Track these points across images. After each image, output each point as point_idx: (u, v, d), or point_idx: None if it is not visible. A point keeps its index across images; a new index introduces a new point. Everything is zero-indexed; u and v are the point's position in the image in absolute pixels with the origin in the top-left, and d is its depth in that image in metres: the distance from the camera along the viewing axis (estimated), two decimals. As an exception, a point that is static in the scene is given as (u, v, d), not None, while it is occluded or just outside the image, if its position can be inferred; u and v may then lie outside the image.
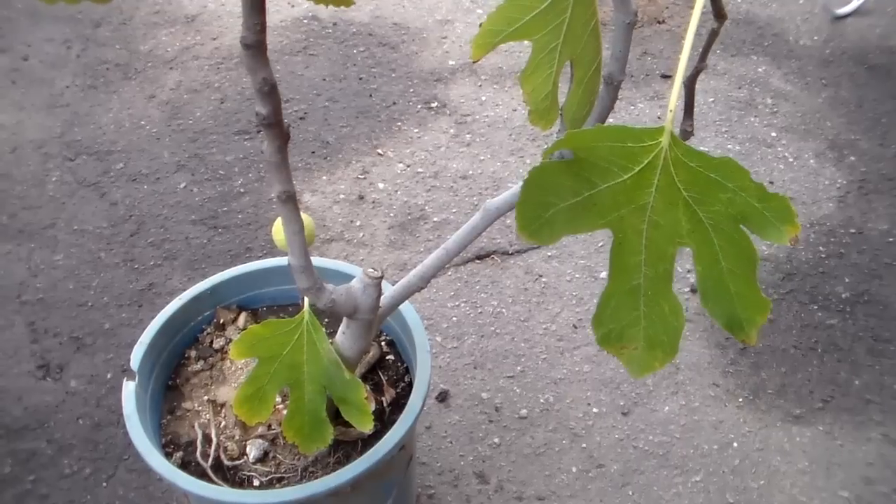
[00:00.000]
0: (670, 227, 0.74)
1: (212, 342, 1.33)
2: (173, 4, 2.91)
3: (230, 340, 1.32)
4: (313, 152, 2.29)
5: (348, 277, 1.05)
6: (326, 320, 1.29)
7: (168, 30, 2.80)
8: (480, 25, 0.82)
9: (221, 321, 1.35)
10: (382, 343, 1.33)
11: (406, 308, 1.25)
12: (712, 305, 0.77)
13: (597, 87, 0.89)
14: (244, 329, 1.33)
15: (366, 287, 0.98)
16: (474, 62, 0.91)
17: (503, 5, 0.82)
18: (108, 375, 1.77)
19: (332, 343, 1.07)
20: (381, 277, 0.99)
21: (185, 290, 1.33)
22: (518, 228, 0.75)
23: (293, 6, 2.87)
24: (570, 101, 0.90)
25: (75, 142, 2.34)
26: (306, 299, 1.01)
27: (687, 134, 0.88)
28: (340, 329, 1.09)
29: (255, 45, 0.77)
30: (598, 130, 0.71)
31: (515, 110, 2.40)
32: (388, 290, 1.08)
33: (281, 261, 1.35)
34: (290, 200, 0.88)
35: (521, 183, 0.94)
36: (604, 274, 1.94)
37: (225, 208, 2.12)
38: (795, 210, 0.69)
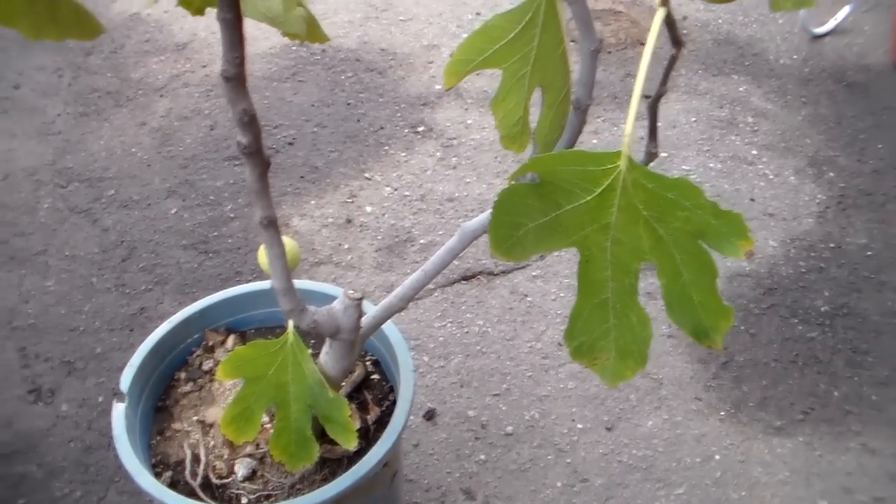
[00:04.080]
0: (633, 244, 0.78)
1: (201, 364, 1.36)
2: (163, 33, 2.95)
3: (219, 362, 1.35)
4: (302, 177, 2.33)
5: (334, 299, 1.08)
6: (312, 342, 1.32)
7: (158, 58, 2.84)
8: (451, 55, 0.86)
9: (210, 343, 1.38)
10: (367, 363, 1.36)
11: (390, 328, 1.28)
12: (677, 315, 0.80)
13: (567, 111, 0.93)
14: (232, 350, 1.36)
15: (346, 308, 1.02)
16: (447, 90, 0.95)
17: (473, 35, 0.86)
18: (100, 399, 1.80)
19: (316, 363, 1.10)
20: (362, 298, 1.02)
21: (175, 313, 1.36)
22: (491, 248, 0.79)
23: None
24: (542, 125, 0.94)
25: (67, 169, 2.37)
26: (290, 321, 1.05)
27: (652, 156, 0.92)
28: (324, 349, 1.12)
29: (235, 77, 0.81)
30: (560, 155, 0.75)
31: (500, 133, 2.44)
32: (370, 311, 1.11)
33: (267, 284, 1.38)
34: (272, 225, 0.91)
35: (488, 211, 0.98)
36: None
37: (215, 233, 2.16)
38: (748, 226, 0.73)
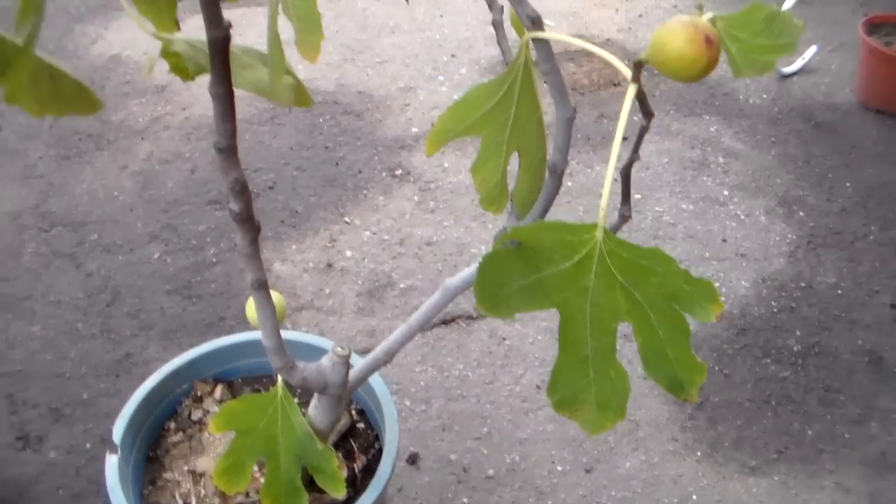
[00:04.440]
0: (610, 306, 0.82)
1: (190, 414, 1.39)
2: (141, 75, 2.98)
3: (208, 412, 1.38)
4: (282, 221, 2.36)
5: (319, 350, 1.12)
6: (299, 391, 1.36)
7: (139, 100, 2.87)
8: (433, 125, 0.90)
9: (199, 394, 1.41)
10: (353, 412, 1.39)
11: (374, 378, 1.32)
12: (654, 370, 0.85)
13: (543, 173, 0.97)
14: (221, 401, 1.39)
15: (335, 365, 1.05)
16: (429, 157, 0.99)
17: (453, 106, 0.90)
18: (88, 445, 1.82)
19: (304, 415, 1.13)
20: (349, 355, 1.06)
21: (161, 359, 1.40)
22: (477, 304, 0.83)
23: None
24: (519, 187, 0.98)
25: (50, 213, 2.40)
26: (280, 376, 1.08)
27: (625, 218, 0.96)
28: (312, 403, 1.16)
29: (227, 149, 0.85)
30: (540, 226, 0.79)
31: (477, 176, 2.48)
32: (357, 364, 1.15)
33: (253, 335, 1.41)
34: (263, 287, 0.95)
35: (476, 264, 1.02)
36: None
37: (198, 278, 2.19)
38: (718, 292, 0.77)
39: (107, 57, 3.10)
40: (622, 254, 0.78)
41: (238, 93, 0.97)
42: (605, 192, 0.77)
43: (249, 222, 0.90)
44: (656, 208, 2.42)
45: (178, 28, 1.06)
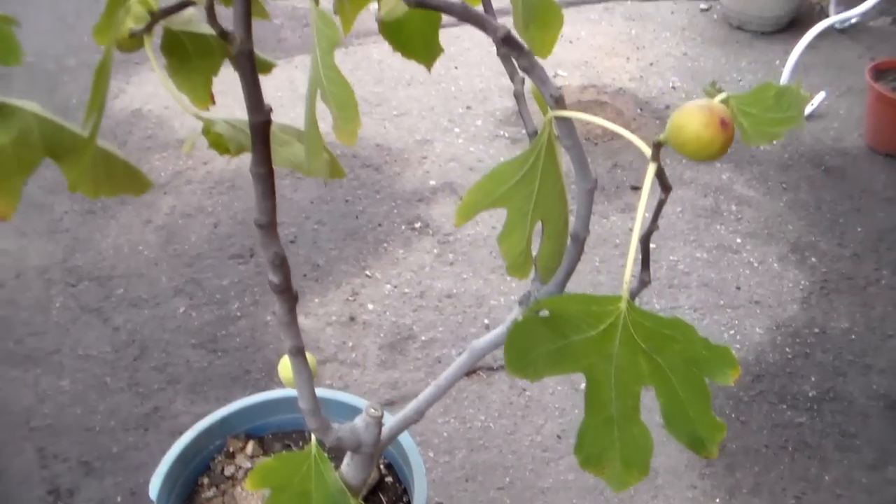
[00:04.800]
0: (634, 371, 0.87)
1: (223, 469, 1.43)
2: (164, 129, 3.05)
3: (240, 467, 1.43)
4: (305, 275, 2.41)
5: (346, 406, 1.16)
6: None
7: (160, 154, 2.93)
8: (461, 198, 0.95)
9: (231, 449, 1.45)
10: (381, 466, 1.43)
11: (402, 434, 1.36)
12: (675, 429, 0.89)
13: (565, 240, 1.02)
14: (253, 456, 1.44)
15: (368, 425, 1.10)
16: (457, 227, 1.03)
17: (481, 181, 0.94)
18: (118, 499, 1.86)
19: (337, 472, 1.17)
20: (382, 416, 1.10)
21: (188, 412, 1.44)
22: (507, 368, 0.88)
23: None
24: (542, 254, 1.03)
25: (76, 267, 2.45)
26: (314, 435, 1.12)
27: (644, 283, 1.00)
28: (345, 460, 1.20)
29: (268, 225, 0.90)
30: (568, 298, 0.83)
31: (494, 228, 2.53)
32: (387, 423, 1.19)
33: (283, 392, 1.46)
34: (300, 354, 1.00)
35: (502, 326, 1.07)
36: (583, 385, 2.05)
37: (223, 332, 2.23)
38: (736, 357, 0.82)
39: (129, 111, 3.17)
40: (645, 323, 0.82)
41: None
42: (628, 267, 0.82)
43: (288, 293, 0.94)
44: (671, 257, 2.46)
45: (214, 102, 1.12)
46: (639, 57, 3.53)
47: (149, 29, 0.92)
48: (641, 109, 3.15)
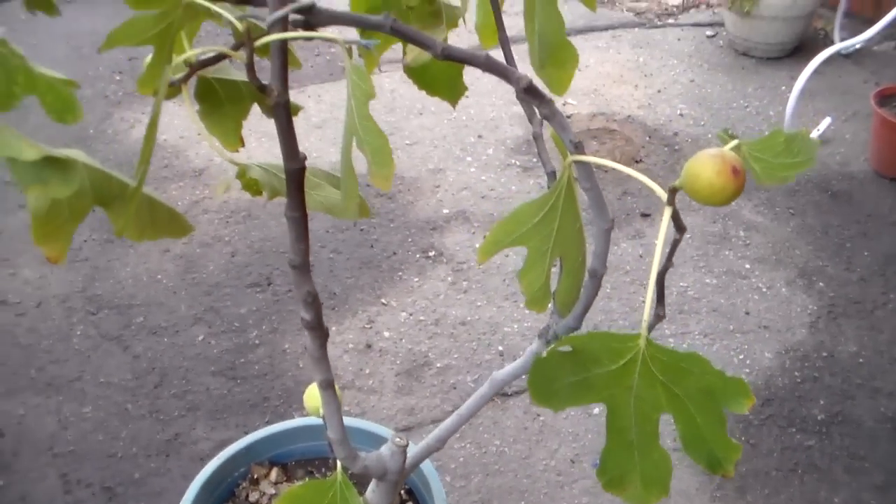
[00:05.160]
0: (652, 400, 0.91)
1: (247, 496, 1.47)
2: (180, 159, 3.10)
3: (264, 493, 1.47)
4: (322, 304, 2.45)
5: (367, 433, 1.20)
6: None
7: (177, 184, 2.98)
8: (485, 237, 0.99)
9: (255, 476, 1.50)
10: (403, 492, 1.47)
11: (424, 462, 1.40)
12: (693, 451, 0.94)
13: (582, 276, 1.06)
14: (277, 483, 1.48)
15: (393, 454, 1.14)
16: (479, 265, 1.08)
17: (503, 221, 0.99)
18: (142, 524, 1.91)
19: (362, 498, 1.22)
20: (407, 445, 1.15)
21: (209, 439, 1.48)
22: (532, 399, 0.92)
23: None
24: (561, 289, 1.07)
25: (97, 296, 2.50)
26: (339, 462, 1.17)
27: (659, 317, 1.05)
28: (370, 487, 1.24)
29: (301, 265, 0.95)
30: (590, 335, 0.88)
31: (507, 256, 2.57)
32: (410, 451, 1.23)
33: (306, 420, 1.51)
34: (330, 387, 1.04)
35: (522, 357, 1.12)
36: (596, 411, 2.10)
37: (242, 360, 2.28)
38: (749, 386, 0.86)
39: (144, 141, 3.21)
40: (662, 357, 0.87)
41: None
42: (647, 306, 0.86)
43: (320, 329, 0.99)
44: (681, 283, 2.51)
45: (243, 144, 1.17)
46: (647, 84, 3.59)
47: (187, 79, 0.96)
48: (650, 137, 3.20)
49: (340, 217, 1.00)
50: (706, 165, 0.81)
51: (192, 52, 0.93)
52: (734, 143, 0.86)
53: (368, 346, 2.32)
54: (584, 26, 4.06)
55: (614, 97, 3.48)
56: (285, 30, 0.84)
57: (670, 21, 4.27)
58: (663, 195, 0.87)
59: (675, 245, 0.97)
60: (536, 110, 0.94)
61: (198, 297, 2.49)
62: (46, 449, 2.07)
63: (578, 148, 0.94)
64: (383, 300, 2.47)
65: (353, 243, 2.68)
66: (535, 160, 3.00)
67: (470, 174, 3.00)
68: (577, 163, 0.95)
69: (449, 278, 2.54)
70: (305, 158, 0.89)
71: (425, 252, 2.64)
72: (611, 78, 3.64)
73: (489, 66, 0.88)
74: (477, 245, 2.67)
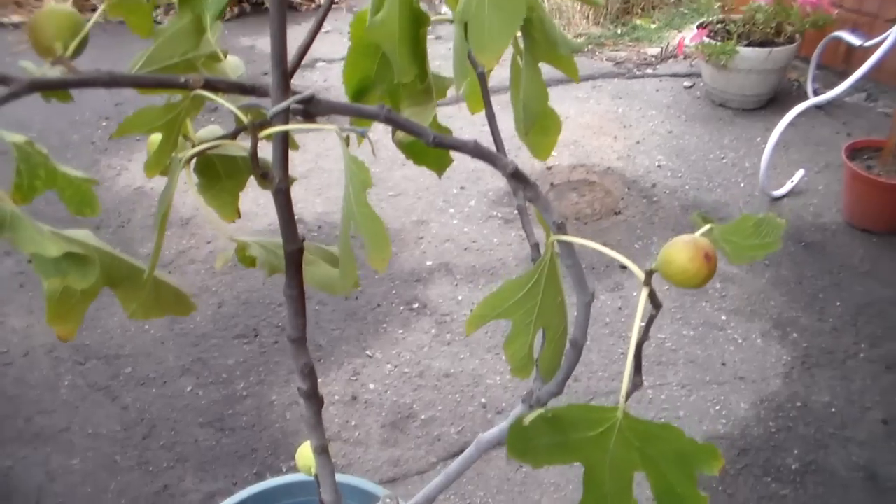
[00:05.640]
0: (627, 461, 0.96)
1: (239, 551, 1.52)
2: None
3: (255, 549, 1.51)
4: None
5: (355, 489, 1.24)
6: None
7: (164, 233, 3.01)
8: (472, 311, 1.05)
9: (247, 532, 1.54)
10: (390, 547, 1.52)
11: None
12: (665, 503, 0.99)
13: (564, 345, 1.12)
14: (268, 538, 1.52)
15: (384, 513, 1.19)
16: (467, 336, 1.13)
17: (489, 297, 1.04)
18: (132, 576, 1.94)
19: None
20: (398, 502, 1.20)
21: (198, 490, 1.52)
22: (508, 454, 0.98)
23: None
24: (544, 357, 1.13)
25: (84, 346, 2.53)
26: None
27: (637, 386, 1.11)
28: (361, 546, 1.29)
29: (299, 340, 1.00)
30: (569, 408, 0.93)
31: (489, 308, 2.63)
32: (400, 510, 1.28)
33: (297, 477, 1.55)
34: (325, 452, 1.09)
35: (508, 420, 1.17)
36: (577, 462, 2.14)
37: (230, 411, 2.32)
38: (720, 452, 0.92)
39: (132, 189, 3.27)
40: (638, 427, 0.93)
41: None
42: (626, 378, 0.91)
43: (315, 398, 1.04)
44: (659, 335, 2.56)
45: (240, 216, 1.23)
46: (626, 135, 3.67)
47: (190, 160, 1.02)
48: (629, 188, 3.28)
49: (335, 293, 1.06)
50: (680, 252, 0.87)
51: (200, 147, 0.98)
52: (707, 227, 0.92)
53: (354, 398, 2.36)
54: (565, 77, 4.11)
55: (594, 148, 3.56)
56: (287, 120, 0.90)
57: (649, 71, 4.36)
58: (641, 275, 0.93)
59: (651, 320, 1.03)
60: (522, 194, 1.00)
61: (185, 347, 2.53)
62: (34, 502, 2.09)
63: (561, 228, 0.99)
64: (368, 352, 2.52)
65: (338, 296, 2.73)
66: (516, 212, 3.06)
67: (453, 226, 3.06)
68: (560, 242, 1.01)
69: (433, 330, 2.59)
70: (304, 240, 0.95)
71: (409, 304, 2.70)
72: (591, 129, 3.71)
73: (478, 152, 0.94)
74: (460, 297, 2.73)
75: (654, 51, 4.62)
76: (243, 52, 4.56)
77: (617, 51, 4.66)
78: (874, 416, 2.31)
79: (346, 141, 0.92)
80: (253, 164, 0.89)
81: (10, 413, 2.32)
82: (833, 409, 2.33)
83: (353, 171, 0.88)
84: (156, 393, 2.38)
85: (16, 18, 5.13)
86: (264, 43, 4.68)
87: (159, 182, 3.23)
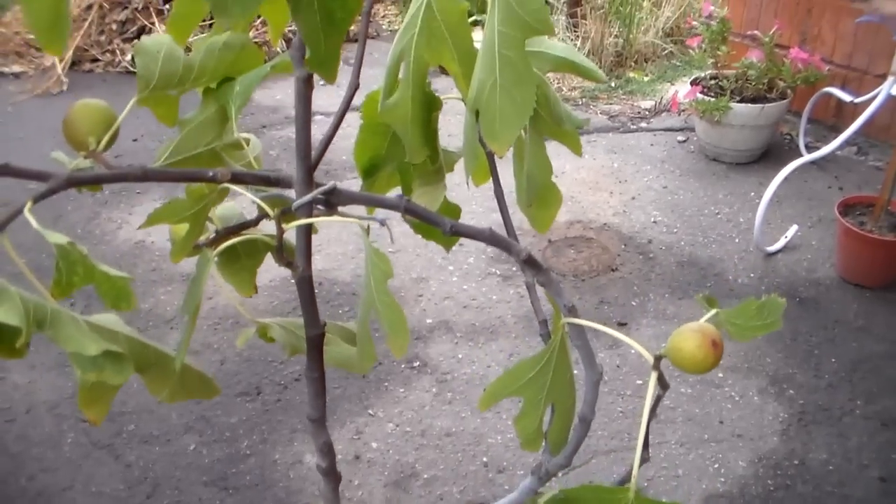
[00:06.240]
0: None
1: None
2: (168, 262, 3.16)
3: None
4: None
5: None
6: None
7: (165, 288, 3.05)
8: (485, 390, 1.08)
9: None
10: None
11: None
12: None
13: (572, 419, 1.15)
14: None
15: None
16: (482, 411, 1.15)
17: (502, 377, 1.08)
18: None
19: None
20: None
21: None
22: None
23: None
24: (553, 430, 1.16)
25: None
26: None
27: (644, 459, 1.14)
28: None
29: (319, 419, 1.03)
30: (582, 489, 0.96)
31: (489, 367, 2.66)
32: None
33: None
34: (340, 526, 1.12)
35: (516, 492, 1.20)
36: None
37: (234, 470, 2.33)
38: (721, 491, 0.95)
39: (132, 243, 3.30)
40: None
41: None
42: (637, 460, 0.94)
43: (333, 475, 1.07)
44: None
45: (256, 292, 1.26)
46: (621, 191, 3.71)
47: (213, 243, 1.06)
48: (625, 245, 3.32)
49: (354, 371, 1.09)
50: (689, 340, 0.91)
51: (228, 243, 1.02)
52: (713, 312, 0.96)
53: (357, 457, 2.38)
54: (560, 131, 4.19)
55: (591, 204, 3.60)
56: (311, 211, 0.94)
57: (643, 125, 4.42)
58: (650, 359, 0.96)
59: (658, 400, 1.06)
60: (535, 280, 1.04)
61: (188, 405, 2.55)
62: (39, 561, 2.11)
63: (572, 311, 1.03)
64: (370, 411, 2.54)
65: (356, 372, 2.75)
66: (514, 268, 3.10)
67: (452, 283, 3.09)
68: (570, 324, 1.04)
69: (434, 389, 2.62)
70: (325, 325, 0.98)
71: (410, 362, 2.72)
72: (587, 185, 3.76)
73: (493, 239, 0.98)
74: (460, 355, 2.75)
75: (647, 104, 4.69)
76: (242, 105, 4.61)
77: (611, 104, 4.72)
78: (871, 474, 2.33)
79: (367, 231, 0.96)
80: (278, 254, 0.92)
81: (13, 470, 2.33)
82: (830, 467, 2.36)
83: (374, 263, 0.92)
84: (159, 451, 2.39)
85: (16, 68, 5.18)
86: (261, 94, 4.74)
87: (159, 235, 3.28)
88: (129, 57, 5.22)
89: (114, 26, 5.36)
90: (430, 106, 1.02)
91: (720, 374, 2.67)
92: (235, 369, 2.68)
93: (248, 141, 1.07)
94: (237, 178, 0.91)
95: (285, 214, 0.94)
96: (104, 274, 0.79)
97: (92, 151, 0.91)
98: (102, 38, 5.34)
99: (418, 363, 2.72)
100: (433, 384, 2.64)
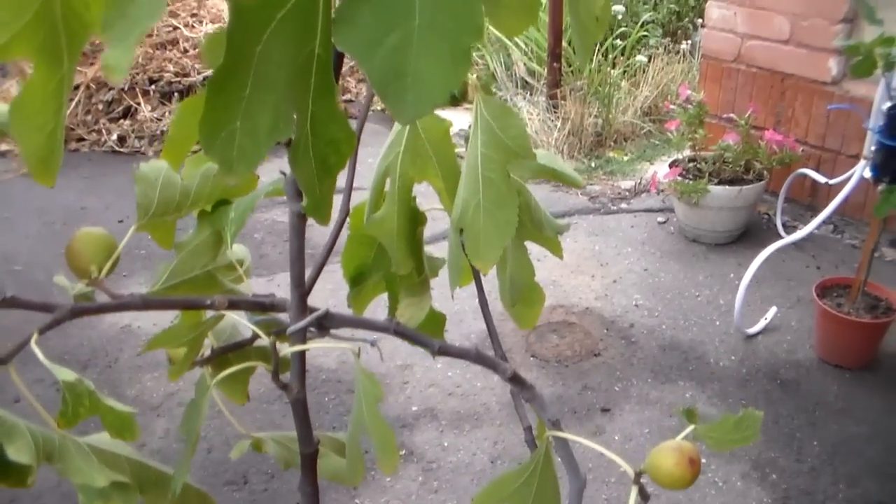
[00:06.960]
0: None
1: None
2: (232, 457, 3.18)
3: None
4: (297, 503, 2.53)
5: None
6: None
7: (152, 374, 3.07)
8: (472, 500, 1.11)
9: None
10: None
11: None
12: None
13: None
14: None
15: None
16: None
17: (488, 487, 1.11)
18: None
19: None
20: None
21: None
22: None
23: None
24: (539, 537, 1.19)
25: (72, 492, 2.53)
26: None
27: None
28: None
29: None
30: None
31: (475, 454, 2.68)
32: None
33: None
34: None
35: None
36: None
37: (221, 562, 2.35)
38: None
39: (118, 327, 3.32)
40: None
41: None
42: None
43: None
44: (641, 480, 2.61)
45: (248, 399, 1.30)
46: (603, 274, 3.77)
47: (209, 360, 1.09)
48: (608, 329, 3.36)
49: (345, 484, 1.13)
50: (667, 457, 0.95)
51: (228, 371, 1.05)
52: (690, 428, 1.01)
53: (345, 548, 2.40)
54: (542, 213, 4.25)
55: (573, 288, 3.65)
56: (304, 336, 0.98)
57: (623, 206, 4.50)
58: (631, 472, 1.00)
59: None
60: (521, 396, 1.08)
61: (175, 495, 2.55)
62: None
63: (556, 425, 1.07)
64: (357, 500, 2.55)
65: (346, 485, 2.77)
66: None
67: (437, 370, 3.12)
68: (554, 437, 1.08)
69: (420, 478, 2.63)
70: (318, 442, 1.02)
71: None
72: (569, 268, 3.82)
73: (479, 358, 1.02)
74: (446, 443, 2.77)
75: (627, 184, 4.77)
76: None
77: (592, 184, 4.79)
78: (854, 559, 2.37)
79: (358, 354, 1.00)
80: (274, 378, 0.96)
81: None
82: (814, 553, 2.39)
83: (365, 386, 0.96)
84: (146, 543, 2.40)
85: (3, 147, 5.24)
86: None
87: (145, 322, 3.30)
88: (114, 136, 5.29)
89: (100, 106, 5.44)
90: (415, 220, 1.06)
91: (703, 460, 2.70)
92: (222, 458, 2.69)
93: (241, 262, 1.11)
94: (234, 305, 0.95)
95: (279, 335, 0.99)
96: (109, 407, 0.82)
97: (94, 279, 0.95)
98: (89, 117, 5.42)
99: (404, 451, 2.74)
100: (419, 472, 2.66)
